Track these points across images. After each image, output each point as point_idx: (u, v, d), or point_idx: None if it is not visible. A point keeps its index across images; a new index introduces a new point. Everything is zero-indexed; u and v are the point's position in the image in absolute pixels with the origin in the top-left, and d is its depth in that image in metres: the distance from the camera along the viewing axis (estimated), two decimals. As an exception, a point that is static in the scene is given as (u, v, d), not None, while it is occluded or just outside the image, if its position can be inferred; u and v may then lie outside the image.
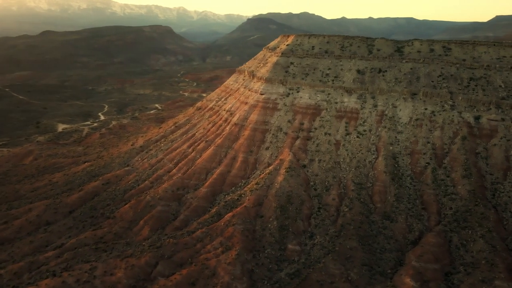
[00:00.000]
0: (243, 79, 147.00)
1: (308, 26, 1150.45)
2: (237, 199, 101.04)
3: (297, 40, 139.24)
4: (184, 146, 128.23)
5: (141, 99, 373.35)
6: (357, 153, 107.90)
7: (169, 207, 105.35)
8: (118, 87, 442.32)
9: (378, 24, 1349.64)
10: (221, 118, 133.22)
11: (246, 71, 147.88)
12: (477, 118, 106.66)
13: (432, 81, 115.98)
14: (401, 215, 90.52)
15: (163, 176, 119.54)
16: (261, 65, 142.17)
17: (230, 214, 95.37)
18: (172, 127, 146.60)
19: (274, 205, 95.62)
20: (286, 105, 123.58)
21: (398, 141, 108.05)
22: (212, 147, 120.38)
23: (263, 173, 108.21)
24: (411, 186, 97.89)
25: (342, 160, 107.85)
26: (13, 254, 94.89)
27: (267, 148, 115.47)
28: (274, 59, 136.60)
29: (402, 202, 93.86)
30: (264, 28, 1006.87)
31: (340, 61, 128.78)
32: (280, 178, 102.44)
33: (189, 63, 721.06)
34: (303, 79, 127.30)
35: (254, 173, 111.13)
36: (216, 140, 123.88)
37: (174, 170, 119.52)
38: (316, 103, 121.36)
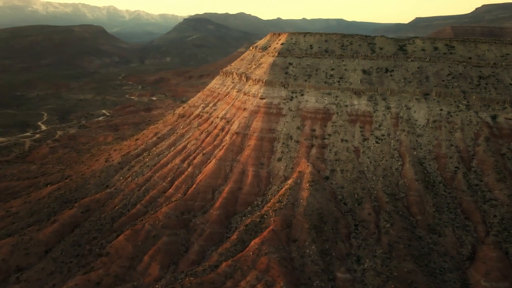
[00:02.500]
0: (233, 82, 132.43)
1: (245, 27, 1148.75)
2: (259, 221, 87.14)
3: (291, 38, 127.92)
4: (177, 161, 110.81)
5: (84, 105, 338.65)
6: (381, 160, 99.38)
7: (177, 236, 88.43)
8: (52, 92, 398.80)
9: (311, 25, 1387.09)
10: (216, 126, 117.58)
11: (234, 73, 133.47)
12: (493, 117, 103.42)
13: (443, 81, 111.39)
14: (447, 228, 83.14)
15: (158, 197, 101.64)
16: (253, 66, 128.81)
17: (257, 240, 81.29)
18: (154, 139, 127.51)
19: (307, 226, 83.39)
20: (291, 110, 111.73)
21: (420, 145, 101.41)
22: (213, 161, 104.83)
23: (281, 188, 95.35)
24: (446, 193, 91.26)
25: (366, 168, 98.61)
26: (-18, 317, 72.59)
27: (279, 159, 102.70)
28: (269, 59, 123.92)
29: (443, 212, 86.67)
30: (202, 28, 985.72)
31: (343, 60, 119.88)
32: (304, 194, 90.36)
33: (127, 64, 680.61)
34: (306, 80, 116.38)
35: (269, 189, 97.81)
36: (216, 152, 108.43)
37: (170, 190, 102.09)
38: (324, 107, 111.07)
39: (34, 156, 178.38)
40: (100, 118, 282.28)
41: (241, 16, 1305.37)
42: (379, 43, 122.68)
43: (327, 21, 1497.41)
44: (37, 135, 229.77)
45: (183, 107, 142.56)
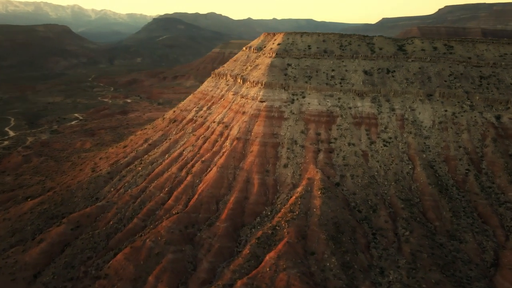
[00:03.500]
0: (227, 84, 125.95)
1: (216, 27, 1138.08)
2: (272, 233, 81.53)
3: (288, 38, 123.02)
4: (174, 169, 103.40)
5: (54, 109, 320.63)
6: (391, 164, 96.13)
7: (183, 252, 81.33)
8: (17, 95, 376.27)
9: (281, 25, 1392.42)
10: (213, 132, 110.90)
11: (228, 75, 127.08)
12: (498, 117, 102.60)
13: (445, 81, 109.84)
14: (467, 233, 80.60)
15: (157, 210, 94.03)
16: (249, 67, 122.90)
17: (272, 254, 75.66)
18: (145, 146, 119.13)
19: (323, 237, 78.53)
20: (293, 113, 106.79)
21: (429, 147, 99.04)
22: (214, 169, 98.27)
23: (290, 196, 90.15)
24: (460, 197, 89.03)
25: (376, 173, 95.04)
26: None
27: (285, 166, 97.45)
28: (266, 60, 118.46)
29: (460, 217, 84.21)
30: (172, 28, 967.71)
31: (343, 61, 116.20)
32: (317, 202, 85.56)
33: (96, 65, 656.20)
34: (306, 82, 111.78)
35: (278, 198, 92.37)
36: (216, 159, 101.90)
37: (170, 202, 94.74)
38: (328, 109, 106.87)
39: (6, 166, 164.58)
40: (73, 123, 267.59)
41: (211, 16, 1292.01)
42: (378, 43, 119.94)
43: (297, 21, 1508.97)
44: (6, 142, 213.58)
45: (174, 111, 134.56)
